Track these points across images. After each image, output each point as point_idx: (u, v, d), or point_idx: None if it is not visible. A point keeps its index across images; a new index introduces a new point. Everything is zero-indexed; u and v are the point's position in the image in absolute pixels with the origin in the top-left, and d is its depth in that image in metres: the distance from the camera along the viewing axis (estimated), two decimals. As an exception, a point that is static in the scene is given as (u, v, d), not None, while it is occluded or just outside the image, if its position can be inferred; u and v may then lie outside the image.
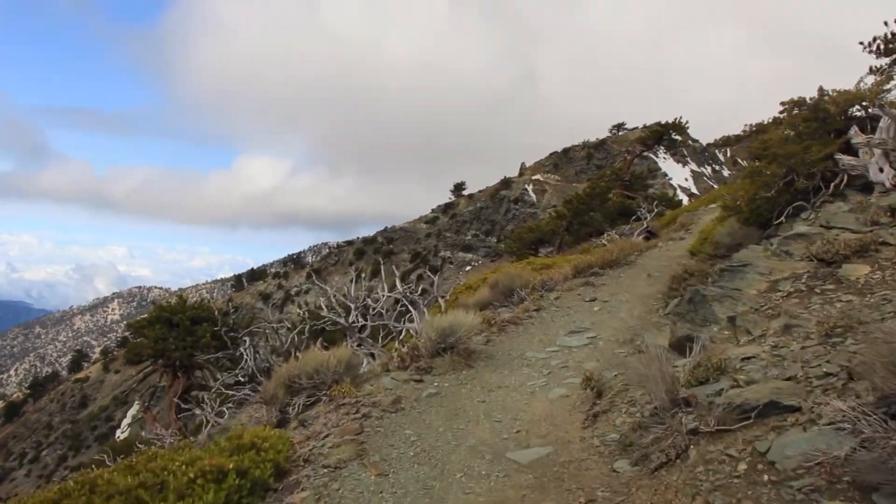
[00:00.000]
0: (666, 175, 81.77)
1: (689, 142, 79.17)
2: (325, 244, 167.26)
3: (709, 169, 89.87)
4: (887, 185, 10.82)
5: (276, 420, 8.53)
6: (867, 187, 11.55)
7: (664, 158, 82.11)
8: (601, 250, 16.49)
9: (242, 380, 13.84)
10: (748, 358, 6.25)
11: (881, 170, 11.07)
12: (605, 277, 14.42)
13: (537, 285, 14.46)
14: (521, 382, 8.48)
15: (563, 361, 9.16)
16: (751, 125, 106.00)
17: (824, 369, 5.32)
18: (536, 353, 9.68)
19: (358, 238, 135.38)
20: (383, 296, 13.38)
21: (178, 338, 18.78)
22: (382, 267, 16.20)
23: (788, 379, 5.42)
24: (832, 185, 11.99)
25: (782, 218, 12.42)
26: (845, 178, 11.99)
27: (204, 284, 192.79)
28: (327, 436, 6.71)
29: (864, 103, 12.11)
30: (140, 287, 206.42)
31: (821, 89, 12.91)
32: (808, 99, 12.96)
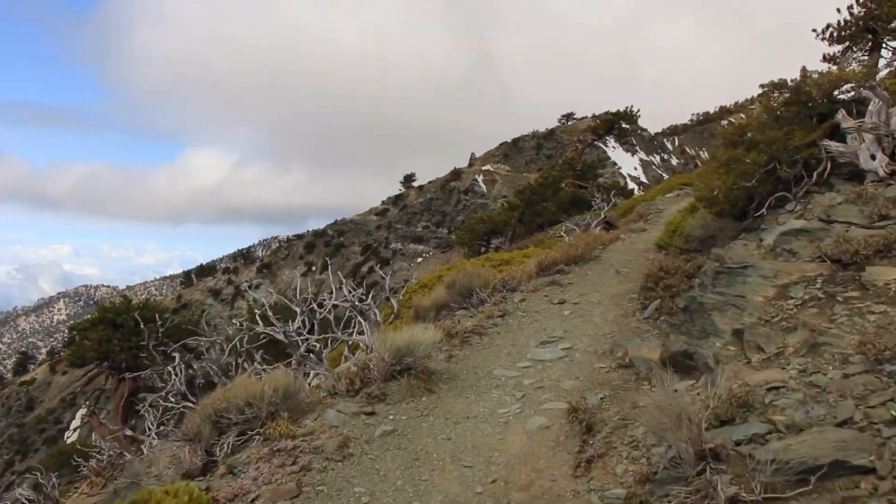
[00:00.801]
0: (615, 164, 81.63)
1: (639, 131, 79.03)
2: (276, 238, 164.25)
3: (657, 158, 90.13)
4: (881, 173, 9.77)
5: (200, 464, 7.03)
6: (856, 175, 10.50)
7: (613, 148, 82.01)
8: (565, 245, 15.29)
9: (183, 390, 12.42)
10: (775, 388, 5.02)
11: (873, 157, 10.02)
12: (572, 275, 13.20)
13: (498, 285, 13.17)
14: (491, 410, 7.15)
15: (537, 380, 7.86)
16: (698, 114, 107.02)
17: (893, 412, 4.10)
18: (506, 370, 8.36)
19: (308, 231, 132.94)
20: (330, 303, 11.89)
21: (123, 339, 17.69)
22: (330, 269, 14.69)
23: (844, 423, 4.19)
24: (815, 173, 10.96)
25: (763, 209, 11.38)
26: (829, 165, 10.97)
27: (153, 282, 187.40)
28: (255, 499, 5.25)
29: (850, 85, 11.08)
30: (87, 286, 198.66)
31: (804, 70, 11.85)
32: (789, 81, 11.89)
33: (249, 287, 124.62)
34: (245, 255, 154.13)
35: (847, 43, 25.87)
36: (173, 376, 11.34)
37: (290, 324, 12.98)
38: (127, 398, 17.90)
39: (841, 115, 10.67)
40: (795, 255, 7.76)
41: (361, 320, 12.16)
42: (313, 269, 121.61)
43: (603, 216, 27.22)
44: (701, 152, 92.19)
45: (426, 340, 7.95)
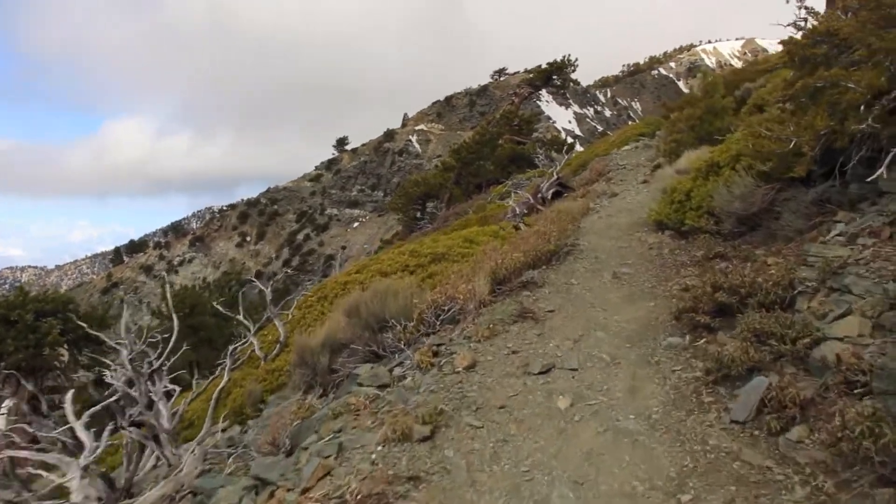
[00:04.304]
0: (550, 118, 76.50)
1: (571, 84, 74.01)
2: (209, 209, 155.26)
3: (591, 111, 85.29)
4: None
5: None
6: None
7: (547, 102, 76.83)
8: (528, 235, 9.71)
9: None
10: None
11: None
12: (548, 289, 7.73)
13: (428, 313, 7.63)
14: None
15: None
16: (628, 65, 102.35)
17: None
18: None
19: (241, 200, 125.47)
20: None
21: (18, 338, 15.17)
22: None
23: None
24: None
25: (882, 167, 6.16)
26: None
27: (83, 260, 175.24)
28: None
29: None
30: (11, 268, 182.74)
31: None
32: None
33: (181, 262, 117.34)
34: (176, 229, 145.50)
35: None
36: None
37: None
38: (29, 402, 15.37)
39: None
40: None
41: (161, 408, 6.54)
42: (248, 239, 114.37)
43: (555, 176, 21.76)
44: (633, 103, 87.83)
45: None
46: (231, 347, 11.79)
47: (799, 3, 7.41)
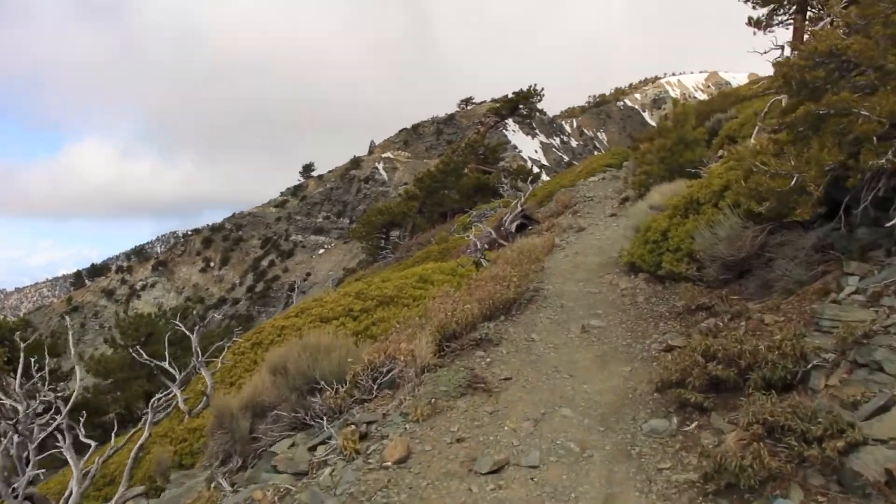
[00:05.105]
0: (516, 147, 76.13)
1: (537, 113, 73.81)
2: (174, 233, 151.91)
3: (557, 140, 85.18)
4: None
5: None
6: None
7: (514, 131, 76.46)
8: (486, 278, 8.44)
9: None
10: None
11: None
12: (505, 348, 6.50)
13: (364, 376, 6.34)
14: None
15: None
16: (594, 96, 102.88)
17: None
18: None
19: (206, 226, 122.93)
20: None
21: None
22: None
23: None
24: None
25: (867, 202, 5.18)
26: None
27: (44, 283, 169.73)
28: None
29: None
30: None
31: None
32: None
33: (144, 287, 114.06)
34: (139, 253, 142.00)
35: (772, 6, 21.90)
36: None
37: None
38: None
39: None
40: None
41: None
42: (212, 264, 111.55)
43: (520, 208, 20.69)
44: (599, 133, 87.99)
45: None
46: (153, 399, 10.33)
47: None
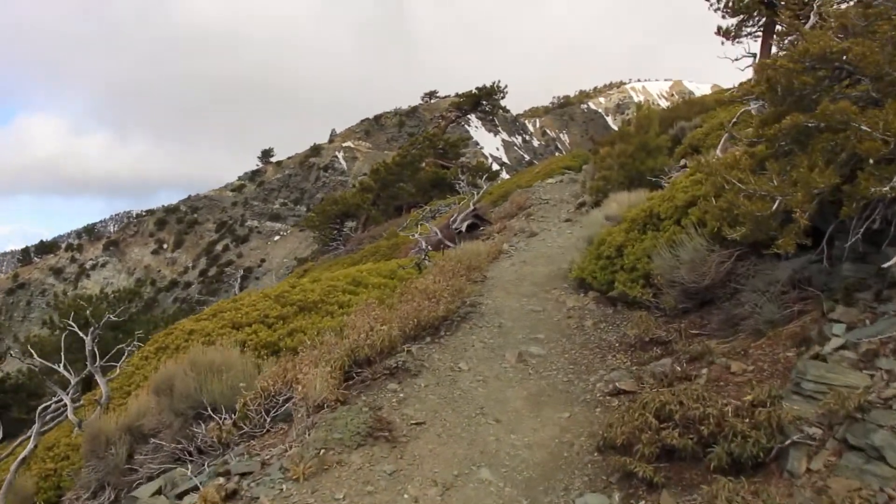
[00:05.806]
0: (478, 144, 75.22)
1: (501, 111, 73.10)
2: (127, 213, 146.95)
3: (519, 139, 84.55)
4: None
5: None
6: None
7: (476, 128, 75.52)
8: (414, 293, 7.32)
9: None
10: None
11: None
12: (423, 378, 5.46)
13: (255, 406, 5.25)
14: None
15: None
16: (559, 97, 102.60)
17: None
18: None
19: (160, 207, 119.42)
20: None
21: None
22: None
23: None
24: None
25: (858, 234, 4.31)
26: None
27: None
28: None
29: None
30: None
31: None
32: None
33: (94, 266, 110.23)
34: (90, 231, 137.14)
35: (742, 16, 20.86)
36: None
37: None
38: None
39: None
40: None
41: None
42: (164, 246, 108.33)
43: (472, 207, 19.72)
44: (561, 135, 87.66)
45: None
46: (41, 406, 9.03)
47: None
